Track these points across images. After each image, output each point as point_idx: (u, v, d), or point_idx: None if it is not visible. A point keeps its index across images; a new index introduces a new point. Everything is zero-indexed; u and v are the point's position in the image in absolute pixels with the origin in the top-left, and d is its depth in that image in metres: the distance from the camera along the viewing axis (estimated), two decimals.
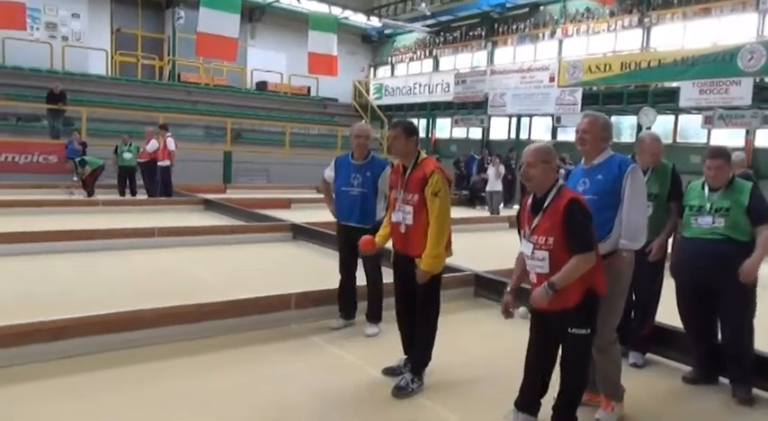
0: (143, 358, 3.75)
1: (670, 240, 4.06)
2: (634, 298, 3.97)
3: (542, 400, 2.98)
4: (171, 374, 3.57)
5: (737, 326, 3.55)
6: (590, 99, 15.86)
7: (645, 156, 4.02)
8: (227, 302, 4.39)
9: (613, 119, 14.91)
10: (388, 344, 4.04)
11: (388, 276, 4.41)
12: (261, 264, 7.00)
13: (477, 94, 18.84)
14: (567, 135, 16.95)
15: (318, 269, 6.44)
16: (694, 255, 3.63)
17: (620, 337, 3.21)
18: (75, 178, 12.53)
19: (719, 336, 3.71)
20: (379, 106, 21.96)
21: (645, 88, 15.24)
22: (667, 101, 14.75)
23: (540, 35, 19.05)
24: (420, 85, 21.09)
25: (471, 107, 19.48)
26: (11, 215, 9.03)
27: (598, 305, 2.82)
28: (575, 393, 2.88)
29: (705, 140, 14.62)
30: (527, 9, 19.47)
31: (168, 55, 21.17)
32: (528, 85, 17.32)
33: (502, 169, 13.62)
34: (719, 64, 13.21)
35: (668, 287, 4.07)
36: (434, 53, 22.73)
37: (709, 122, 13.75)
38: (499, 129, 19.81)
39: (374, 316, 4.50)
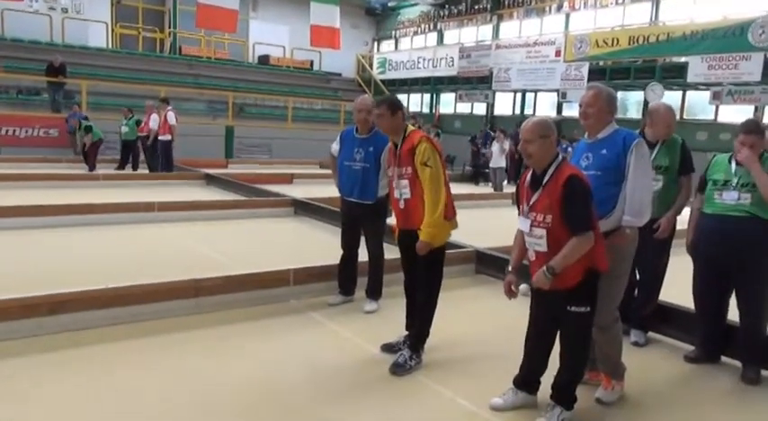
0: (142, 332, 3.73)
1: (679, 217, 3.97)
2: (638, 276, 3.92)
3: (541, 379, 2.95)
4: (168, 349, 3.55)
5: (758, 307, 3.48)
6: (597, 74, 15.61)
7: (659, 128, 3.89)
8: (226, 277, 4.36)
9: (620, 94, 14.68)
10: (386, 321, 4.01)
11: (390, 253, 4.38)
12: (261, 240, 6.97)
13: (481, 68, 18.58)
14: (573, 111, 16.74)
15: (320, 245, 6.40)
16: (716, 233, 3.52)
17: (621, 316, 3.16)
18: (77, 153, 12.48)
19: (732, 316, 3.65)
20: (383, 81, 21.72)
21: (653, 63, 14.99)
22: (675, 76, 14.52)
23: (547, 9, 18.69)
24: (424, 60, 20.81)
25: (476, 82, 19.24)
26: (12, 189, 8.99)
27: (598, 282, 2.77)
28: (575, 371, 2.84)
29: (712, 117, 14.43)
30: None
31: (169, 27, 20.90)
32: (533, 60, 17.06)
33: (506, 145, 13.48)
34: (729, 38, 12.94)
35: (671, 265, 4.01)
36: (439, 27, 22.37)
37: (717, 98, 13.54)
38: (504, 105, 19.59)
39: (374, 292, 4.47)
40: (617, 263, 2.92)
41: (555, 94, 17.12)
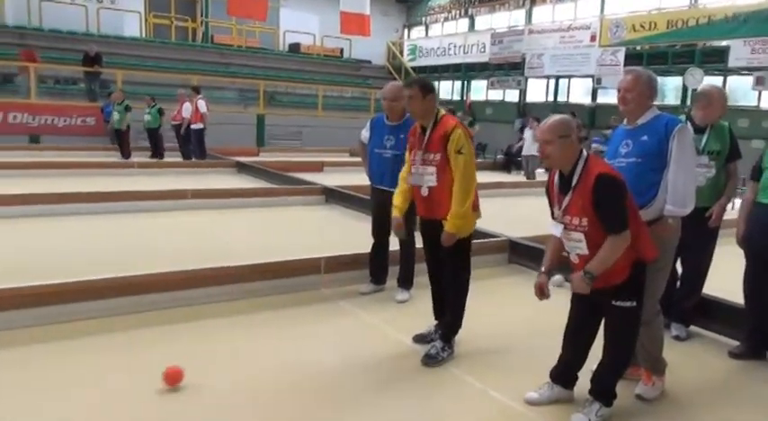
0: (172, 319, 3.75)
1: (729, 206, 3.81)
2: (680, 267, 3.78)
3: (579, 373, 2.86)
4: (199, 335, 3.56)
5: None
6: (633, 59, 15.21)
7: (712, 110, 3.70)
8: (256, 265, 4.35)
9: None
10: (418, 311, 3.96)
11: (420, 241, 4.32)
12: (292, 228, 6.98)
13: (514, 54, 18.27)
14: (608, 97, 16.37)
15: (350, 233, 6.38)
16: None
17: (662, 309, 3.05)
18: (112, 141, 12.70)
19: None
20: (414, 68, 21.54)
21: (692, 47, 14.54)
22: (716, 61, 14.05)
23: None
24: (455, 46, 20.56)
25: (508, 68, 18.95)
26: (49, 176, 9.20)
27: (645, 275, 2.66)
28: (617, 367, 2.74)
29: (755, 103, 13.93)
30: None
31: (201, 16, 21.06)
32: (567, 45, 16.69)
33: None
34: None
35: (714, 256, 3.87)
36: (470, 12, 22.06)
37: (760, 84, 13.05)
38: (537, 92, 19.26)
39: (405, 281, 4.42)
40: (659, 254, 2.81)
41: (590, 79, 16.74)
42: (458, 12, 22.62)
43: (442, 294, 3.52)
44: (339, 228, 6.96)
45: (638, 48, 15.51)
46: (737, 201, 4.05)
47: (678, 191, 2.88)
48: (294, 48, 21.86)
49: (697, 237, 3.50)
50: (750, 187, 3.60)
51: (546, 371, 2.91)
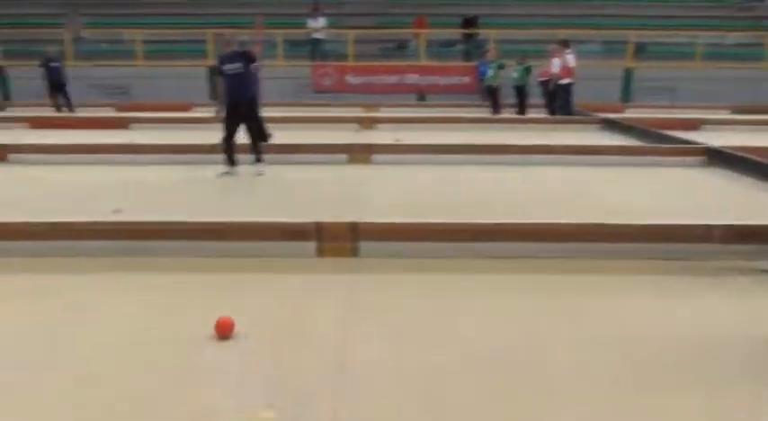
0: (553, 270, 3.94)
1: None
2: None
3: None
4: (567, 290, 3.65)
5: None
6: None
7: None
8: (639, 226, 4.28)
9: None
10: None
11: None
12: (668, 190, 6.56)
13: None
14: None
15: (741, 202, 5.70)
16: None
17: None
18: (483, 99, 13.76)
19: None
20: None
21: None
22: None
23: None
24: None
25: None
26: (441, 130, 10.38)
27: None
28: None
29: None
30: None
31: None
32: None
33: None
34: None
35: None
36: None
37: None
38: None
39: None
40: None
41: None
42: None
43: None
44: (725, 195, 6.27)
45: None
46: None
47: None
48: None
49: None
50: None
51: None
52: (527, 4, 19.11)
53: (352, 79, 15.63)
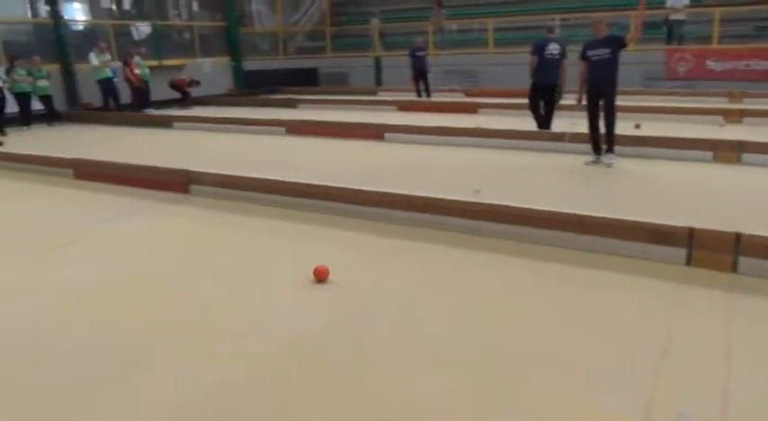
0: None
1: None
2: None
3: None
4: None
5: None
6: None
7: None
8: None
9: None
10: None
11: None
12: None
13: None
14: None
15: None
16: None
17: None
18: None
19: None
20: None
21: None
22: None
23: None
24: None
25: None
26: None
27: None
28: None
29: None
30: None
31: None
32: None
33: None
34: None
35: None
36: None
37: None
38: None
39: None
40: None
41: None
42: None
43: None
44: None
45: None
46: None
47: None
48: None
49: None
50: None
51: None
52: None
53: (713, 65, 13.79)
